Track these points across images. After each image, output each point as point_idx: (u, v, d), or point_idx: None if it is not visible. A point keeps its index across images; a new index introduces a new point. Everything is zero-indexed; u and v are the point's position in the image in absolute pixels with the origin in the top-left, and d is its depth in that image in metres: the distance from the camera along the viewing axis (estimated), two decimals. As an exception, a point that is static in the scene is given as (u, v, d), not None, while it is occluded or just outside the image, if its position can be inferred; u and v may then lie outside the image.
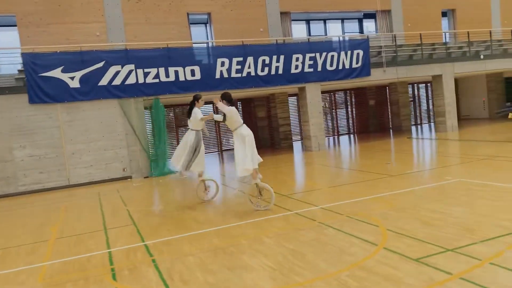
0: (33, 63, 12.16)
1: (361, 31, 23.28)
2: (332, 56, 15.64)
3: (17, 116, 12.10)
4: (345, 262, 4.20)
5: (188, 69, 13.69)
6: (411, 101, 23.54)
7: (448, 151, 12.84)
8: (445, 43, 20.72)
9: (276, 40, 16.26)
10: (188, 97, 14.46)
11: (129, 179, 12.92)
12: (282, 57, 14.86)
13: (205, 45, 16.85)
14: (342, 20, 21.44)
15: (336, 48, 15.76)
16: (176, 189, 11.13)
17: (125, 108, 13.05)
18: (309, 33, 22.20)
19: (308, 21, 22.26)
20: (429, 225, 5.11)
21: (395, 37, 18.16)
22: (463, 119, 22.74)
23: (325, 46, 15.78)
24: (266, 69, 14.70)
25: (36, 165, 12.26)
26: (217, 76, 14.05)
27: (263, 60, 14.62)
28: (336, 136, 22.14)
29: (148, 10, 16.18)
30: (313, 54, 15.34)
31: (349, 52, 15.87)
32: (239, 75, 14.32)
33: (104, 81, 12.78)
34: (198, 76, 13.82)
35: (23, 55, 12.32)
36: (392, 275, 3.74)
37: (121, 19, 15.80)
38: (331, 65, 15.67)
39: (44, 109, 12.33)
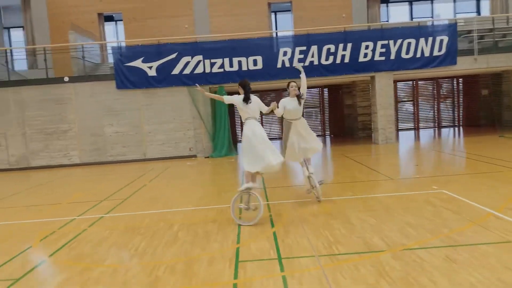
0: (120, 55, 14.54)
1: (478, 11, 20.68)
2: (409, 44, 14.54)
3: (108, 99, 14.68)
4: None
5: (250, 59, 14.48)
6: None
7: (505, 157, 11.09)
8: None
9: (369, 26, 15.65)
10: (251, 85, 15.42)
11: (192, 158, 14.56)
12: (349, 45, 14.48)
13: (270, 35, 17.28)
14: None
15: (414, 35, 14.57)
16: (214, 169, 12.25)
17: (193, 95, 14.60)
18: (411, 16, 20.67)
19: (411, 2, 20.71)
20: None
21: (508, 19, 15.81)
22: None
23: (401, 32, 14.71)
24: (331, 58, 14.54)
25: (120, 140, 14.76)
26: (279, 65, 14.52)
27: (328, 49, 14.49)
28: (436, 128, 20.36)
29: (231, 1, 17.34)
30: (385, 42, 14.52)
31: (430, 39, 14.52)
32: (301, 64, 14.47)
33: (176, 71, 14.49)
34: (260, 65, 14.52)
35: (113, 48, 14.78)
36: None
37: (207, 12, 17.33)
38: (407, 53, 14.60)
39: (128, 94, 14.66)
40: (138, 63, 14.48)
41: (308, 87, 20.50)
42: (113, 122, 14.72)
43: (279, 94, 20.22)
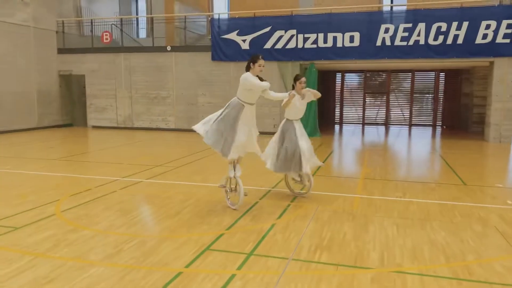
0: (218, 27, 14.78)
1: None
2: (546, 23, 11.90)
3: (203, 70, 15.17)
4: None
5: (347, 35, 13.44)
6: None
7: None
8: None
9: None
10: (343, 64, 14.42)
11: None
12: (465, 23, 12.43)
13: (371, 9, 15.63)
14: None
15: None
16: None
17: (282, 70, 14.22)
18: None
19: None
20: None
21: None
22: None
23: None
24: (441, 37, 12.68)
25: (211, 110, 15.03)
26: (378, 43, 13.20)
27: (438, 27, 12.65)
28: None
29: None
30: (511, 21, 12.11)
31: None
32: (404, 43, 12.98)
33: (268, 45, 14.23)
34: (357, 42, 13.39)
35: (212, 20, 15.07)
36: None
37: (312, -16, 16.50)
38: (541, 35, 11.99)
39: (221, 66, 14.92)
40: (233, 35, 14.57)
41: (417, 70, 18.50)
42: (206, 93, 15.21)
43: (388, 75, 18.62)
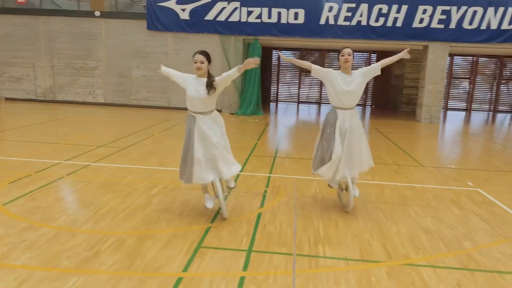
0: (154, -7, 13.65)
1: None
2: (474, 12, 12.66)
3: (137, 40, 13.99)
4: None
5: (292, 11, 13.17)
6: None
7: None
8: None
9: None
10: (287, 41, 14.20)
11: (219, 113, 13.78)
12: (404, 7, 12.80)
13: None
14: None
15: (482, 2, 12.61)
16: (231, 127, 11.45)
17: (225, 45, 13.61)
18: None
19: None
20: None
21: None
22: None
23: (468, -2, 12.81)
24: (382, 19, 12.96)
25: (146, 84, 14.18)
26: (322, 22, 13.13)
27: (380, 9, 12.90)
28: (491, 112, 18.37)
29: None
30: (447, 7, 12.71)
31: (500, 9, 12.56)
32: (347, 23, 13.07)
33: (209, 16, 13.47)
34: (301, 20, 13.20)
35: (146, -15, 13.88)
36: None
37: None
38: (471, 23, 12.75)
39: (158, 36, 13.87)
40: (171, 3, 13.55)
41: (354, 50, 19.07)
42: (141, 65, 14.10)
43: (322, 54, 18.83)
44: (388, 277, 3.26)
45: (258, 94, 13.89)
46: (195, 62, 4.13)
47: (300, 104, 18.88)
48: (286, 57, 4.86)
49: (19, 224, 3.96)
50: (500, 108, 18.61)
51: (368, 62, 18.76)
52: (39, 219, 4.10)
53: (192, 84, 4.14)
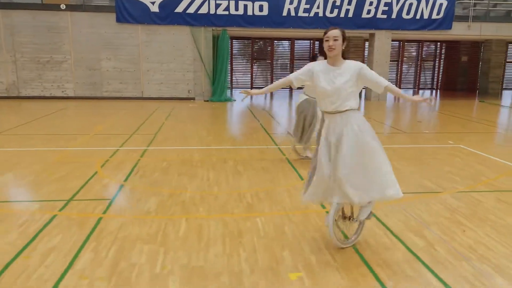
0: (122, -14, 13.90)
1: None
2: (411, 4, 14.93)
3: (107, 32, 14.16)
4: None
5: (257, 4, 14.34)
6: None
7: (488, 119, 12.13)
8: None
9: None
10: (253, 32, 15.39)
11: (192, 100, 14.59)
12: (354, 0, 14.66)
13: None
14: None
15: (417, -4, 14.94)
16: (214, 113, 12.46)
17: (195, 36, 14.38)
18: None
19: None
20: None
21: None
22: None
23: (405, -8, 15.04)
24: (336, 11, 14.70)
25: (117, 76, 14.45)
26: (284, 13, 14.51)
27: (334, 2, 14.60)
28: (416, 90, 21.34)
29: None
30: (389, 0, 14.81)
31: (430, 1, 14.97)
32: (306, 14, 14.60)
33: (179, 9, 14.12)
34: (265, 11, 14.43)
35: (115, -22, 14.07)
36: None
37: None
38: (408, 13, 15.03)
39: (128, 28, 14.19)
40: (140, -4, 13.95)
41: (303, 39, 20.51)
42: (111, 57, 14.31)
43: (271, 43, 20.21)
44: (454, 199, 4.76)
45: (227, 81, 14.96)
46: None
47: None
48: (252, 91, 3.66)
49: (161, 193, 4.80)
50: (423, 86, 21.69)
51: (313, 49, 20.60)
52: (170, 187, 4.97)
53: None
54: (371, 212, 3.54)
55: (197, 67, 14.63)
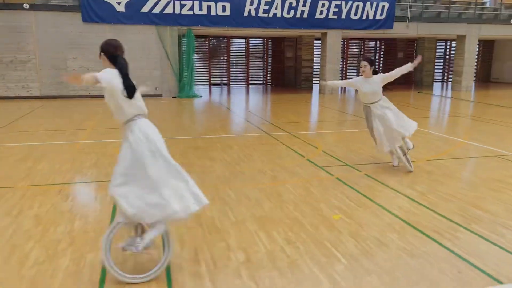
0: (88, -14, 14.11)
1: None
2: (358, 6, 16.53)
3: (72, 32, 14.28)
4: (277, 161, 6.13)
5: (220, 4, 15.15)
6: (441, 57, 24.01)
7: (430, 107, 14.05)
8: (483, 3, 20.77)
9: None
10: (217, 31, 16.22)
11: (159, 97, 15.12)
12: (308, 1, 15.96)
13: None
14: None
15: (362, -2, 16.58)
16: (189, 108, 13.20)
17: (161, 35, 14.93)
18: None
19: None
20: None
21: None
22: (493, 82, 23.25)
23: (352, -5, 16.62)
24: (292, 12, 15.92)
25: (84, 75, 14.58)
26: (245, 14, 15.48)
27: (290, 3, 15.81)
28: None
29: None
30: (338, 2, 16.30)
31: (374, 3, 16.67)
32: (266, 14, 15.67)
33: (145, 9, 14.58)
34: (228, 12, 15.31)
35: (80, -23, 14.24)
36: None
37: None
38: (355, 14, 16.62)
39: (94, 28, 14.40)
40: (106, -3, 14.24)
41: (257, 37, 21.52)
42: (78, 56, 14.45)
43: (228, 41, 21.09)
44: (428, 165, 6.05)
45: (192, 78, 15.66)
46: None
47: (212, 87, 20.91)
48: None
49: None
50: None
51: (266, 47, 21.76)
52: (202, 167, 5.80)
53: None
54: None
55: (164, 65, 15.18)
